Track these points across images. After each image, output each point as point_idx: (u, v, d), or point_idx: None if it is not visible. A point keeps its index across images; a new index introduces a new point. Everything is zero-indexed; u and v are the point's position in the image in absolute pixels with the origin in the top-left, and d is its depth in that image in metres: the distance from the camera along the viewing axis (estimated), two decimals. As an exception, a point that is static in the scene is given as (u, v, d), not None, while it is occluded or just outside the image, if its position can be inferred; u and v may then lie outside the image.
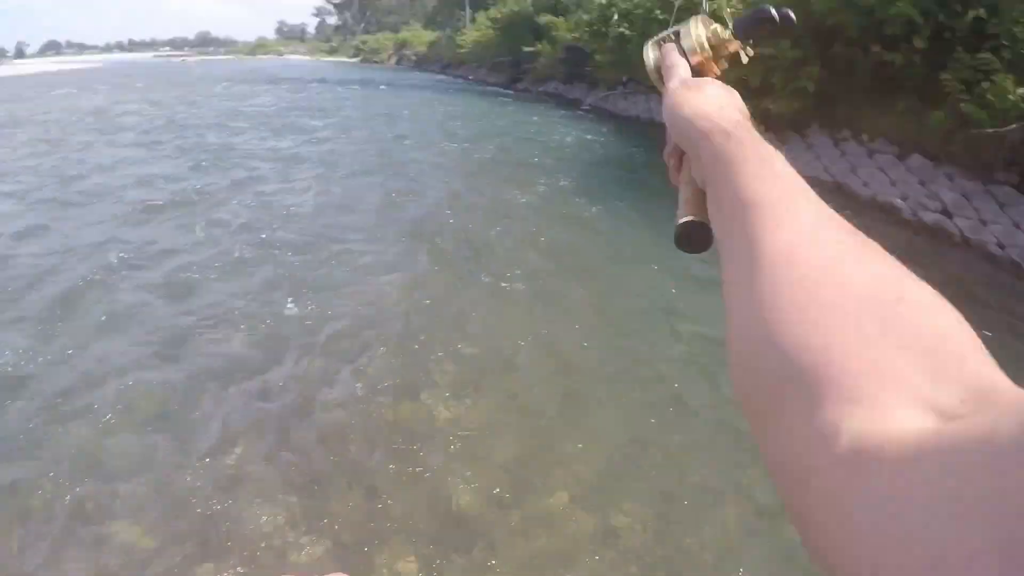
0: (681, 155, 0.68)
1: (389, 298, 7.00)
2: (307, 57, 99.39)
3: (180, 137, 17.00)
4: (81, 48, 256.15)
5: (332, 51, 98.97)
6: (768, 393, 0.36)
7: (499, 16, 38.65)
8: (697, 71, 0.74)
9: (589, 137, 17.84)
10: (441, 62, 52.27)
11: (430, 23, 71.94)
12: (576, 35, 27.07)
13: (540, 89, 30.64)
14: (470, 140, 16.59)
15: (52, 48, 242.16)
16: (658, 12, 19.29)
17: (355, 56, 79.57)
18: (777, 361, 0.35)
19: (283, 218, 10.07)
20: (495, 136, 17.27)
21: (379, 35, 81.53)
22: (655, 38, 0.81)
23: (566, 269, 8.17)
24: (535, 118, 21.57)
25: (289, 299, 6.99)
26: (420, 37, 64.72)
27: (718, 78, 0.73)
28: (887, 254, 0.39)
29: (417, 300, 6.95)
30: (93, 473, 4.31)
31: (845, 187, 12.09)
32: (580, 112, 23.87)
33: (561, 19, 30.71)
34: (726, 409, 4.92)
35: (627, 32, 21.67)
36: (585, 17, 25.99)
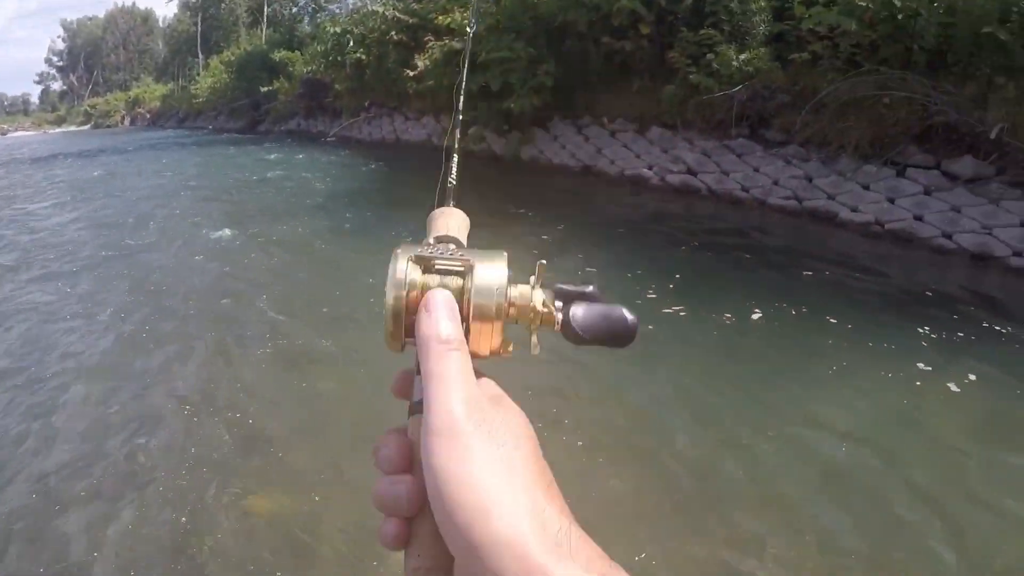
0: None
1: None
2: (32, 132, 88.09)
3: None
4: None
5: (60, 120, 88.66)
6: None
7: (232, 59, 37.25)
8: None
9: (333, 167, 16.69)
10: (178, 116, 48.75)
11: (162, 75, 66.90)
12: (313, 68, 26.41)
13: (282, 128, 29.45)
14: (202, 195, 13.55)
15: None
16: (393, 34, 19.65)
17: (86, 123, 72.86)
18: None
19: None
20: (232, 186, 14.49)
21: (109, 96, 75.01)
22: (418, 250, 0.48)
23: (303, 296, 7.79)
24: (276, 158, 19.25)
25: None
26: (152, 92, 60.14)
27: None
28: None
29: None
30: None
31: (594, 168, 12.68)
32: (325, 144, 22.78)
33: (296, 53, 30.09)
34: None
35: (364, 57, 21.59)
36: (320, 48, 25.04)
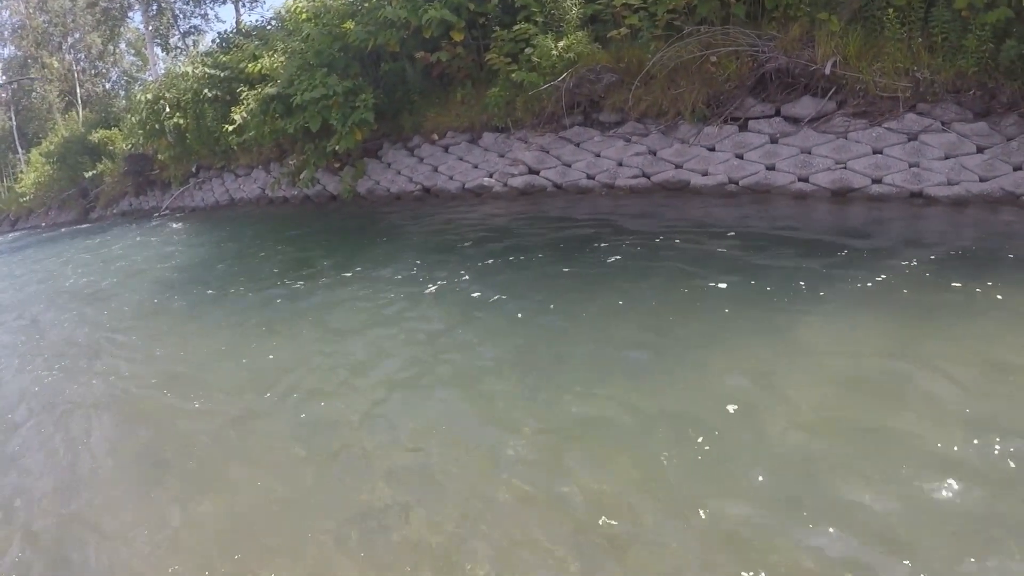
0: None
1: None
2: None
3: None
4: None
5: None
6: None
7: (51, 148, 35.29)
8: None
9: (166, 245, 14.17)
10: (9, 218, 44.00)
11: (-15, 177, 63.98)
12: (133, 141, 25.08)
13: (115, 211, 27.68)
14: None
15: None
16: (207, 91, 18.90)
17: (-90, 241, 67.30)
18: None
19: None
20: (51, 292, 11.05)
21: (-62, 209, 70.06)
22: None
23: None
24: (103, 247, 15.91)
25: None
26: (-18, 197, 57.07)
27: None
28: None
29: None
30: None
31: (434, 188, 12.00)
32: (159, 219, 21.12)
33: (115, 130, 28.28)
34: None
35: (182, 121, 20.59)
36: (135, 119, 23.47)
